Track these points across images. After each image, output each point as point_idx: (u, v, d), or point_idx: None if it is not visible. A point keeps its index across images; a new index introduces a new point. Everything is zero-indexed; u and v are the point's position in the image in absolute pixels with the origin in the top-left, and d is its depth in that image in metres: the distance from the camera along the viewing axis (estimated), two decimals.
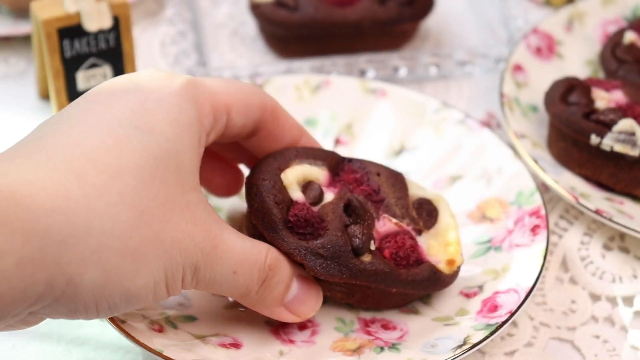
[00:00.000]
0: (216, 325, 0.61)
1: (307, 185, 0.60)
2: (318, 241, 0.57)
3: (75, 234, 0.47)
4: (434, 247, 0.61)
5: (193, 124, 0.54)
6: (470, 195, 0.70)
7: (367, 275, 0.58)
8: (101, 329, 0.63)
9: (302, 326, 0.62)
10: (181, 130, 0.53)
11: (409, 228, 0.61)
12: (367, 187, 0.62)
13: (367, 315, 0.63)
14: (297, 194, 0.59)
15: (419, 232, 0.62)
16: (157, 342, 0.57)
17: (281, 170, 0.60)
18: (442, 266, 0.61)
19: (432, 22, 0.89)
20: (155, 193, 0.51)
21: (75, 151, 0.49)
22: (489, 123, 0.79)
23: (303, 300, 0.59)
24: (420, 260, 0.60)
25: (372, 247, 0.59)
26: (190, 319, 0.62)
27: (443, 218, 0.63)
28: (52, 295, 0.47)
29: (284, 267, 0.57)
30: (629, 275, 0.67)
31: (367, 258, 0.58)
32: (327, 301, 0.64)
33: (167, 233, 0.51)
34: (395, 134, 0.74)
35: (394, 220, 0.61)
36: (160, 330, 0.59)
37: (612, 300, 0.66)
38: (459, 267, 0.62)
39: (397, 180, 0.63)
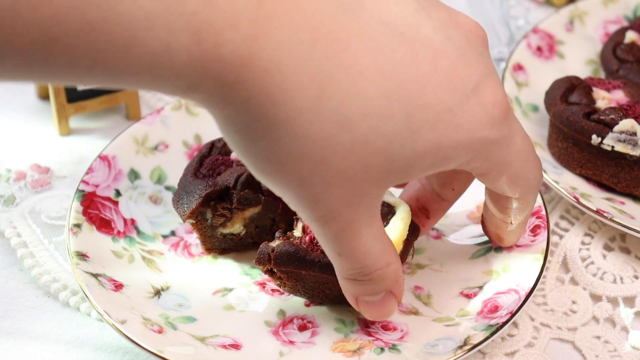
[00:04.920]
0: (216, 326, 0.61)
1: None
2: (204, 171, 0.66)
3: None
4: None
5: (448, 162, 0.52)
6: (470, 195, 0.69)
7: (277, 257, 0.60)
8: (100, 329, 0.63)
9: (302, 327, 0.62)
10: (434, 155, 0.51)
11: None
12: None
13: None
14: (234, 155, 0.67)
15: None
16: (157, 343, 0.57)
17: None
18: None
19: None
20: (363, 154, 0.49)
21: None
22: None
23: (374, 308, 0.57)
24: None
25: (298, 233, 0.61)
26: (190, 319, 0.62)
27: (394, 222, 0.62)
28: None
29: (385, 285, 0.55)
30: (630, 275, 0.67)
31: (274, 243, 0.60)
32: (327, 303, 0.64)
33: (319, 186, 0.49)
34: None
35: None
36: (160, 331, 0.59)
37: (613, 301, 0.66)
38: None
39: None
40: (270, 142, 0.47)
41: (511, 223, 0.61)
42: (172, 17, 0.43)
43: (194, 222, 0.65)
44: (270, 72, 0.45)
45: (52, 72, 0.43)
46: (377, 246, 0.53)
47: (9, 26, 0.40)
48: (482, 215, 0.64)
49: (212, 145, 0.68)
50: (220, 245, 0.67)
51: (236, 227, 0.66)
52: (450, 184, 0.63)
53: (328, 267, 0.59)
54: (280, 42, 0.45)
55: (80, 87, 0.74)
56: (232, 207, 0.64)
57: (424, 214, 0.64)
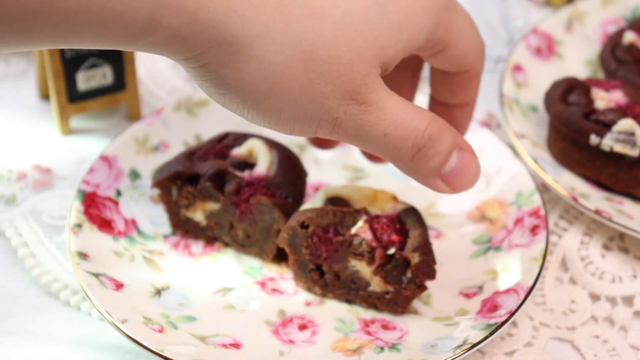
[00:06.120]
0: (216, 325, 0.62)
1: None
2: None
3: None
4: None
5: (420, 31, 0.53)
6: (469, 195, 0.70)
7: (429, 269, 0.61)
8: (101, 329, 0.63)
9: (302, 326, 0.62)
10: (408, 26, 0.52)
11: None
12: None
13: (367, 316, 0.63)
14: (236, 151, 0.67)
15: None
16: (157, 342, 0.58)
17: (253, 137, 0.68)
18: None
19: None
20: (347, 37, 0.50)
21: None
22: (489, 123, 0.79)
23: (460, 174, 0.56)
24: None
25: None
26: (190, 319, 0.62)
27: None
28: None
29: (446, 138, 0.54)
30: (628, 275, 0.67)
31: (415, 258, 0.60)
32: (327, 302, 0.64)
33: (320, 82, 0.50)
34: None
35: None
36: (161, 331, 0.59)
37: (612, 300, 0.66)
38: None
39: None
40: (256, 60, 0.48)
41: (468, 104, 0.61)
42: None
43: (161, 193, 0.66)
44: None
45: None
46: (411, 108, 0.53)
47: None
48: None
49: (225, 135, 0.69)
50: (184, 227, 0.68)
51: (197, 215, 0.66)
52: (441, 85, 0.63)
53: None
54: None
55: (81, 87, 0.75)
56: (194, 194, 0.65)
57: None
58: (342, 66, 0.50)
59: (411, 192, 0.71)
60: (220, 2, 0.47)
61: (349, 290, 0.63)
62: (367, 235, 0.61)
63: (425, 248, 0.60)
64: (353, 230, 0.61)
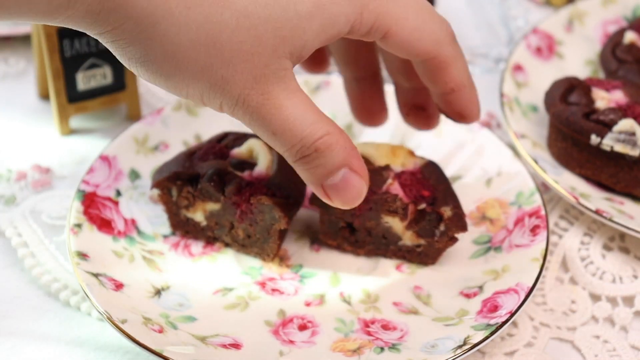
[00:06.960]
0: (216, 325, 0.62)
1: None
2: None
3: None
4: None
5: (336, 18, 0.53)
6: (470, 195, 0.70)
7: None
8: (101, 329, 0.63)
9: (302, 327, 0.62)
10: (320, 14, 0.53)
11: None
12: None
13: (367, 316, 0.63)
14: (236, 151, 0.67)
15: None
16: (157, 342, 0.58)
17: (253, 137, 0.68)
18: None
19: None
20: (260, 30, 0.51)
21: None
22: (489, 123, 0.79)
23: (339, 190, 0.56)
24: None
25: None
26: (190, 319, 0.62)
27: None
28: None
29: (336, 155, 0.55)
30: (629, 275, 0.67)
31: (447, 212, 0.63)
32: (327, 302, 0.64)
33: (221, 67, 0.51)
34: (396, 134, 0.74)
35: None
36: (160, 331, 0.59)
37: (613, 301, 0.66)
38: None
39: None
40: (160, 40, 0.50)
41: (454, 90, 0.61)
42: None
43: (161, 193, 0.66)
44: None
45: None
46: (309, 115, 0.54)
47: None
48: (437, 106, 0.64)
49: (225, 135, 0.69)
50: (184, 227, 0.68)
51: (197, 215, 0.66)
52: (410, 70, 0.64)
53: None
54: None
55: (81, 87, 0.74)
56: (194, 194, 0.65)
57: (424, 113, 0.66)
58: (242, 54, 0.52)
59: None
60: None
61: (379, 245, 0.66)
62: (399, 192, 0.63)
63: (454, 202, 0.63)
64: (384, 188, 0.63)
